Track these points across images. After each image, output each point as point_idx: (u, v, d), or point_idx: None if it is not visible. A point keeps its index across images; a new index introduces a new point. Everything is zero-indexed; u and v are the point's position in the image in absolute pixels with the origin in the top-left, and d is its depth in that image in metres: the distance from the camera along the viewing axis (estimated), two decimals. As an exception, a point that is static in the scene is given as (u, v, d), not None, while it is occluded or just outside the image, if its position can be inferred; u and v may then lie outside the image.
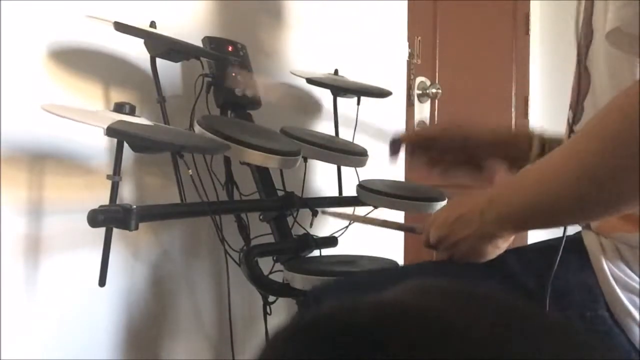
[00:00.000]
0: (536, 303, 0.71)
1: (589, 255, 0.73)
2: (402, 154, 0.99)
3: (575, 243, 0.75)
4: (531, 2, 2.50)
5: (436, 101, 2.07)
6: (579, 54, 0.75)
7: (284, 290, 1.12)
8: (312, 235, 1.24)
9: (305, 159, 1.30)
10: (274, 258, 1.23)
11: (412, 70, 2.00)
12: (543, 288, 0.71)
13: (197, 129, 1.07)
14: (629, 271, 0.69)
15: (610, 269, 0.70)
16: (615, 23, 0.58)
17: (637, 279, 0.69)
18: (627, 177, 0.54)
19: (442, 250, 0.78)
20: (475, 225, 0.71)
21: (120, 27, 1.03)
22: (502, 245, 0.75)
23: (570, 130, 0.77)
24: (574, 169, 0.59)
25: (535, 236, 0.85)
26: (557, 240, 0.76)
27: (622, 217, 0.71)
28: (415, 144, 0.98)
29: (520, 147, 0.80)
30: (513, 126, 2.43)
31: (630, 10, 0.56)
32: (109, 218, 0.92)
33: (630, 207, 0.63)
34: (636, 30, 0.57)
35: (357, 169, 1.41)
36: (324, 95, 1.59)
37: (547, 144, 0.93)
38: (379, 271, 0.95)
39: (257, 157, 1.06)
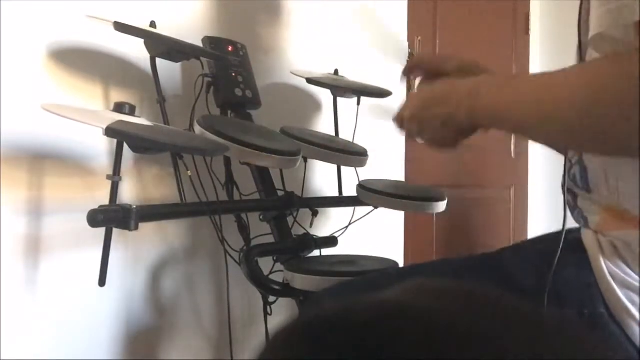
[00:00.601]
0: (534, 302, 0.71)
1: (587, 253, 0.73)
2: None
3: (573, 242, 0.76)
4: (531, 2, 2.50)
5: (436, 101, 2.07)
6: (579, 56, 0.75)
7: (284, 290, 1.12)
8: (312, 235, 1.24)
9: (305, 159, 1.30)
10: (274, 258, 1.23)
11: (412, 70, 2.00)
12: (541, 287, 0.72)
13: (197, 129, 1.07)
14: (626, 269, 0.70)
15: (608, 267, 0.70)
16: (599, 29, 0.58)
17: (634, 276, 0.69)
18: (607, 131, 0.54)
19: (409, 127, 0.73)
20: (447, 108, 0.67)
21: (120, 27, 1.03)
22: (469, 137, 0.70)
23: None
24: (566, 103, 0.57)
25: (535, 233, 0.85)
26: (557, 239, 0.76)
27: (620, 216, 0.71)
28: (425, 69, 0.89)
29: None
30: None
31: (614, 17, 0.56)
32: (108, 218, 0.92)
33: (614, 154, 0.63)
34: (618, 35, 0.56)
35: (357, 169, 1.41)
36: (324, 95, 1.59)
37: None
38: (381, 274, 0.95)
39: (257, 157, 1.06)
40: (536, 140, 0.71)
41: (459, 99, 0.66)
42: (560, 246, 0.72)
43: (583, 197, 0.77)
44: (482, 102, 0.64)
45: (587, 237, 0.75)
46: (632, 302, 0.68)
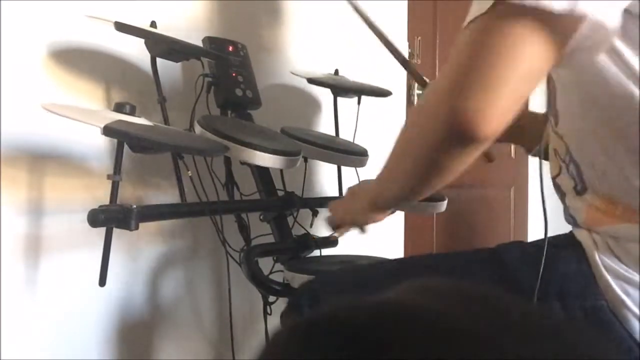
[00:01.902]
0: (530, 296, 0.72)
1: (584, 249, 0.74)
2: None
3: (571, 238, 0.77)
4: (531, 2, 2.50)
5: (436, 101, 2.07)
6: None
7: (284, 290, 1.11)
8: (312, 235, 1.24)
9: (305, 159, 1.30)
10: (274, 258, 1.23)
11: (412, 70, 1.99)
12: (541, 284, 0.73)
13: (197, 129, 1.07)
14: (619, 262, 0.71)
15: (602, 260, 0.71)
16: (470, 17, 0.66)
17: (627, 267, 0.70)
18: (414, 179, 0.76)
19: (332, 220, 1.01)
20: (360, 203, 0.94)
21: (121, 27, 1.03)
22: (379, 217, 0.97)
23: (555, 132, 0.79)
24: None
25: (535, 233, 0.85)
26: (556, 237, 0.77)
27: (604, 211, 0.72)
28: None
29: (525, 127, 0.84)
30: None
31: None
32: (109, 218, 0.92)
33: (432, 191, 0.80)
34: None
35: (357, 169, 1.41)
36: (324, 95, 1.59)
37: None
38: (373, 265, 0.96)
39: (257, 157, 1.06)
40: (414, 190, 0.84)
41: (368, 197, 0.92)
42: (545, 246, 0.73)
43: (571, 195, 0.79)
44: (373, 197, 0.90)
45: (581, 235, 0.76)
46: (627, 294, 0.69)
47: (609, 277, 0.70)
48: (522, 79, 0.61)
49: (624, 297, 0.69)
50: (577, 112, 0.74)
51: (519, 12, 0.59)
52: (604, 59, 0.64)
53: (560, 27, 0.60)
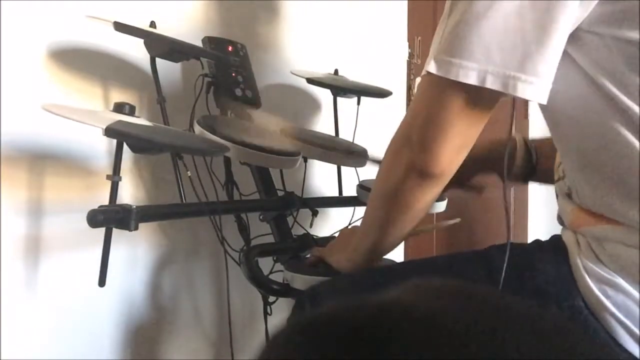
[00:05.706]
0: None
1: (567, 251, 0.75)
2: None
3: (557, 242, 0.78)
4: (531, 2, 2.50)
5: (436, 101, 2.07)
6: None
7: (284, 290, 1.11)
8: (312, 235, 1.24)
9: (305, 159, 1.30)
10: (274, 258, 1.23)
11: (412, 70, 2.00)
12: (521, 283, 0.75)
13: (197, 129, 1.07)
14: (601, 264, 0.71)
15: (583, 262, 0.72)
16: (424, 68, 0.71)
17: (607, 269, 0.70)
18: (387, 223, 0.85)
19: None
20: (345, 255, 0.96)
21: (120, 27, 1.03)
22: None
23: None
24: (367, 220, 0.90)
25: (535, 233, 0.86)
26: (543, 241, 0.79)
27: (587, 211, 0.73)
28: None
29: (502, 155, 0.87)
30: (512, 126, 2.43)
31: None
32: (108, 218, 0.91)
33: (401, 233, 0.88)
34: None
35: (357, 169, 1.41)
36: (324, 95, 1.59)
37: (531, 145, 1.04)
38: (374, 270, 0.96)
39: (257, 157, 1.06)
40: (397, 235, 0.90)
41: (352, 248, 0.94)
42: (506, 257, 0.75)
43: (561, 197, 0.80)
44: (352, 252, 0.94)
45: (566, 236, 0.77)
46: (606, 296, 0.70)
47: (588, 280, 0.71)
48: (463, 128, 0.72)
49: (603, 299, 0.70)
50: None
51: (445, 82, 0.68)
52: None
53: (485, 95, 0.69)
